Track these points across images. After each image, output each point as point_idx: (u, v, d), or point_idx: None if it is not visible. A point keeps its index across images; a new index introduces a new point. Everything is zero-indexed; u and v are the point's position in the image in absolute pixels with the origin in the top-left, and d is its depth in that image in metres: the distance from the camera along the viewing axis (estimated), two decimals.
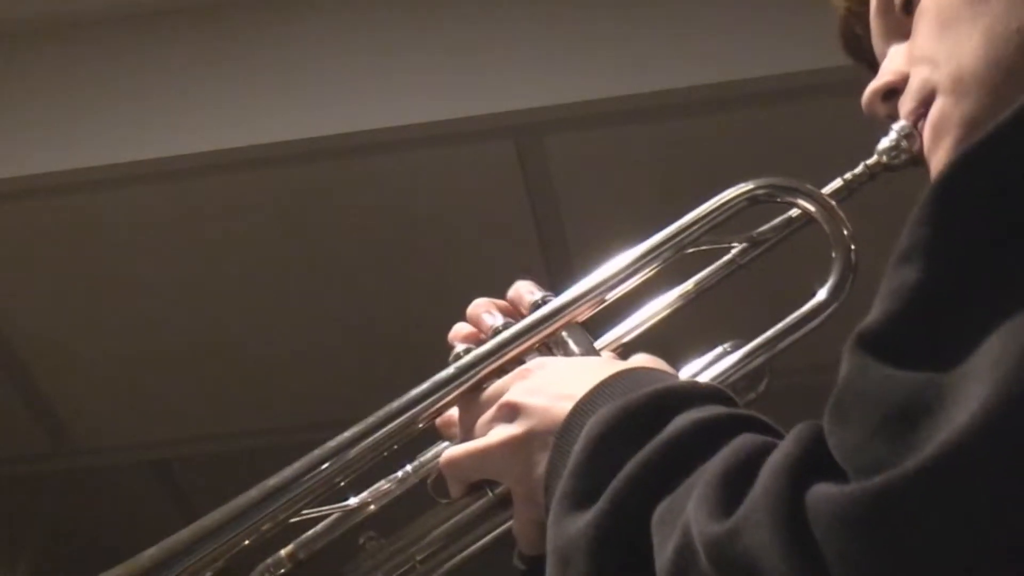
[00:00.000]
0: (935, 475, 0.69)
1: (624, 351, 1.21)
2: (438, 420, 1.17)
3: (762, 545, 0.74)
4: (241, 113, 2.52)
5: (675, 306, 1.25)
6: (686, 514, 0.81)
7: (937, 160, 1.08)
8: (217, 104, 2.53)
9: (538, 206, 2.64)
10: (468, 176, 2.60)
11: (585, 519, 0.89)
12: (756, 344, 1.19)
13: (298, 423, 2.96)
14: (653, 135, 2.52)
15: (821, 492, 0.74)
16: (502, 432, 1.06)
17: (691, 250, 1.21)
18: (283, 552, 1.18)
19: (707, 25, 2.42)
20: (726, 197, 1.20)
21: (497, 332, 1.17)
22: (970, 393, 0.70)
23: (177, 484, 3.25)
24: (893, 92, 1.13)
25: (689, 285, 1.24)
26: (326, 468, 1.14)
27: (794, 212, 1.21)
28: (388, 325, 2.84)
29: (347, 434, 1.15)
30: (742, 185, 1.20)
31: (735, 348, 1.20)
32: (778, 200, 1.21)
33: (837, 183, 1.20)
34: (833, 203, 1.19)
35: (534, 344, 1.17)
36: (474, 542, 1.15)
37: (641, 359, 1.13)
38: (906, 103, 1.11)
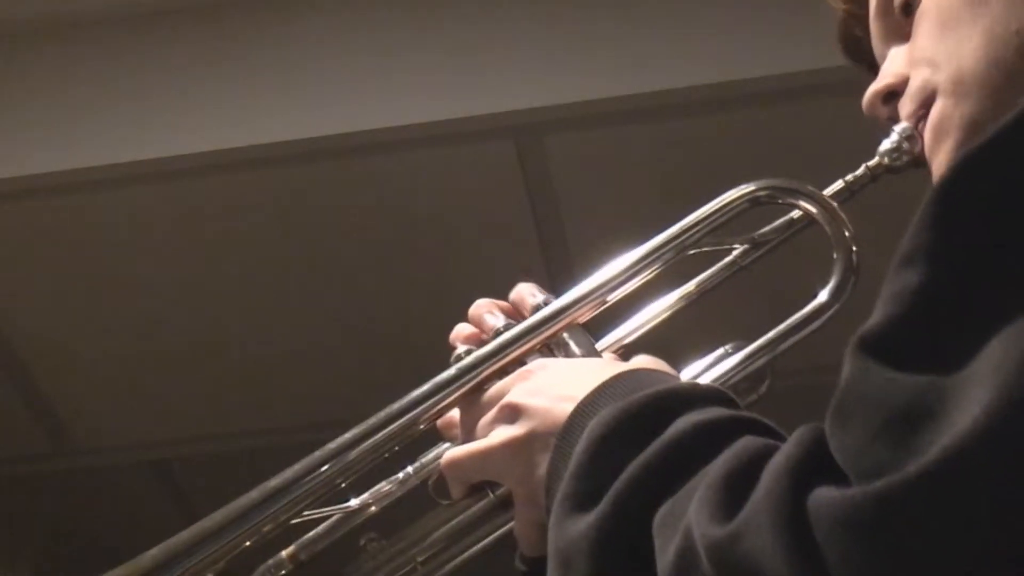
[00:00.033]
0: (937, 479, 0.69)
1: (625, 352, 1.21)
2: (439, 421, 1.17)
3: (764, 548, 0.74)
4: (241, 113, 2.52)
5: (676, 307, 1.25)
6: (688, 517, 0.81)
7: (938, 162, 1.08)
8: (217, 104, 2.53)
9: (538, 206, 2.64)
10: (468, 176, 2.60)
11: (587, 521, 0.89)
12: (758, 345, 1.19)
13: (298, 423, 2.96)
14: (653, 135, 2.52)
15: (823, 495, 0.74)
16: (503, 433, 1.06)
17: (692, 251, 1.21)
18: (284, 553, 1.18)
19: (707, 25, 2.42)
20: (728, 198, 1.20)
21: (498, 333, 1.17)
22: (972, 397, 0.71)
23: (177, 484, 3.25)
24: (894, 94, 1.13)
25: (691, 286, 1.24)
26: (327, 469, 1.13)
27: (796, 213, 1.21)
28: (388, 325, 2.84)
29: (348, 435, 1.15)
30: (744, 187, 1.20)
31: (737, 349, 1.20)
32: (780, 201, 1.21)
33: (839, 184, 1.20)
34: (835, 204, 1.19)
35: (535, 345, 1.17)
36: (475, 543, 1.15)
37: (642, 360, 1.13)
38: (906, 105, 1.11)
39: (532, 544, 1.08)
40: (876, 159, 1.17)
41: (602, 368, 1.07)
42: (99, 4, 2.55)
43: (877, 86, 1.14)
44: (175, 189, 2.61)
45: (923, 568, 0.70)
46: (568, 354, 1.16)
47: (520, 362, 1.15)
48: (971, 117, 1.03)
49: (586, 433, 0.95)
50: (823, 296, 1.19)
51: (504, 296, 1.23)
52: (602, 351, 1.20)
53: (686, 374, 1.19)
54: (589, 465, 0.92)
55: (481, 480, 1.12)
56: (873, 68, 1.17)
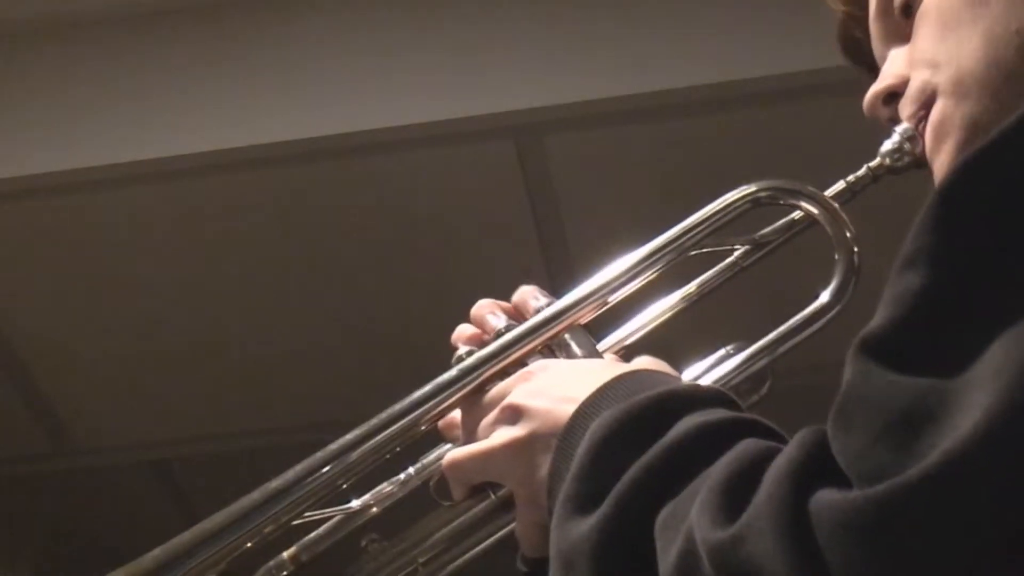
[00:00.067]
0: (938, 483, 0.70)
1: (627, 353, 1.21)
2: (441, 422, 1.17)
3: (765, 552, 0.75)
4: (241, 113, 2.52)
5: (678, 308, 1.25)
6: (689, 519, 0.81)
7: (940, 163, 1.08)
8: (217, 104, 2.53)
9: (538, 206, 2.64)
10: (468, 176, 2.60)
11: (588, 523, 0.89)
12: (759, 346, 1.19)
13: (298, 423, 2.96)
14: (653, 135, 2.52)
15: (824, 499, 0.74)
16: (505, 434, 1.06)
17: (694, 252, 1.21)
18: (285, 554, 1.18)
19: (707, 25, 2.42)
20: (729, 199, 1.20)
21: (500, 334, 1.17)
22: (973, 401, 0.71)
23: (177, 484, 3.25)
24: (894, 95, 1.13)
25: (692, 287, 1.24)
26: (328, 470, 1.13)
27: (797, 214, 1.21)
28: (388, 325, 2.84)
29: (349, 436, 1.15)
30: (745, 187, 1.20)
31: (738, 350, 1.20)
32: (781, 202, 1.21)
33: (840, 185, 1.20)
34: (836, 205, 1.19)
35: (537, 346, 1.16)
36: (476, 544, 1.14)
37: (644, 361, 1.13)
38: (907, 106, 1.11)
39: (533, 545, 1.08)
40: (877, 160, 1.17)
41: (603, 369, 1.07)
42: (99, 4, 2.55)
43: (877, 87, 1.14)
44: (175, 189, 2.60)
45: (924, 571, 0.71)
46: (569, 355, 1.16)
47: (522, 363, 1.15)
48: (972, 117, 1.03)
49: (588, 435, 0.95)
50: (824, 297, 1.19)
51: (504, 296, 1.23)
52: (603, 352, 1.20)
53: (687, 375, 1.19)
54: (591, 467, 0.92)
55: (482, 481, 1.12)
56: (873, 70, 1.17)
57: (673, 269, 1.20)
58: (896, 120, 1.13)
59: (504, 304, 1.21)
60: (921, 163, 1.12)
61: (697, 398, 0.95)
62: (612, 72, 2.43)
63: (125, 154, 2.53)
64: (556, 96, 2.45)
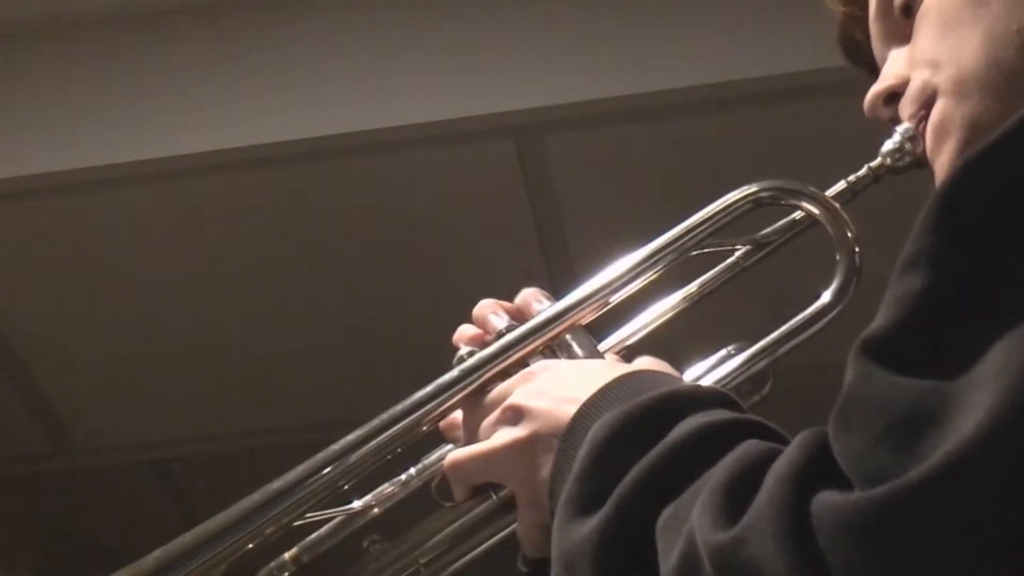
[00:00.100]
0: (940, 485, 0.70)
1: (628, 354, 1.21)
2: (442, 423, 1.17)
3: (767, 554, 0.75)
4: (241, 113, 2.52)
5: (679, 308, 1.25)
6: (691, 521, 0.81)
7: (940, 162, 1.08)
8: (217, 104, 2.53)
9: (538, 206, 2.64)
10: (468, 176, 2.60)
11: (590, 524, 0.89)
12: (760, 347, 1.19)
13: (298, 423, 2.96)
14: (653, 135, 2.52)
15: (826, 500, 0.74)
16: (506, 435, 1.06)
17: (695, 252, 1.21)
18: (287, 555, 1.18)
19: (707, 25, 2.42)
20: (730, 199, 1.20)
21: (501, 335, 1.17)
22: (975, 402, 0.71)
23: (177, 484, 3.25)
24: (895, 95, 1.13)
25: (693, 287, 1.24)
26: (330, 471, 1.13)
27: (798, 214, 1.21)
28: (388, 325, 2.84)
29: (351, 437, 1.14)
30: (746, 187, 1.20)
31: (739, 351, 1.20)
32: (782, 202, 1.21)
33: (841, 185, 1.20)
34: (837, 205, 1.19)
35: (538, 347, 1.16)
36: (478, 545, 1.14)
37: (645, 362, 1.13)
38: (907, 106, 1.11)
39: (535, 546, 1.08)
40: (878, 160, 1.17)
41: (605, 370, 1.07)
42: (99, 4, 2.55)
43: (878, 88, 1.14)
44: (175, 189, 2.61)
45: (925, 572, 0.71)
46: (571, 355, 1.16)
47: (523, 364, 1.15)
48: (972, 117, 1.03)
49: (589, 436, 0.95)
50: (826, 297, 1.18)
51: (504, 296, 1.23)
52: (605, 352, 1.20)
53: (689, 375, 1.19)
54: (592, 468, 0.92)
55: (484, 482, 1.12)
56: (873, 70, 1.17)
57: (674, 269, 1.20)
58: (897, 120, 1.13)
59: (506, 304, 1.21)
60: (922, 163, 1.12)
61: (698, 399, 0.95)
62: (612, 72, 2.43)
63: (125, 154, 2.53)
64: (556, 96, 2.45)
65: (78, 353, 2.91)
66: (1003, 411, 0.69)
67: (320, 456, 1.14)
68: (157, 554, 1.11)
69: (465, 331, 1.20)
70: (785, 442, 0.85)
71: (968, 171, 0.77)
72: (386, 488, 1.20)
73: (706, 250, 1.22)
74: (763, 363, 1.19)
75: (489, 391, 1.13)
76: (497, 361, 1.15)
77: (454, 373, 1.15)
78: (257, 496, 1.13)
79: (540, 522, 1.04)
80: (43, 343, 2.91)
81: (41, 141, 2.55)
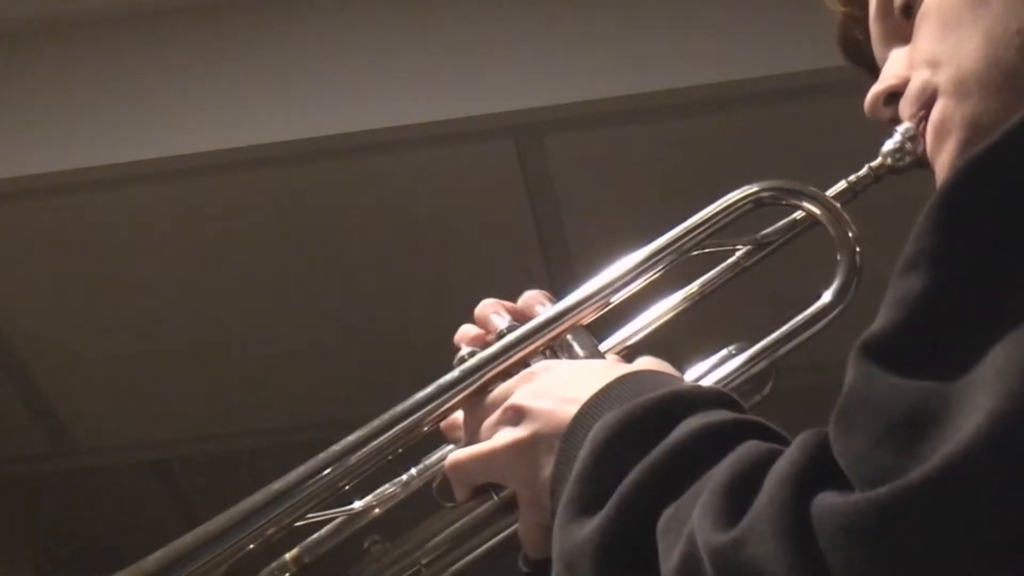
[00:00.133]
0: (940, 487, 0.70)
1: (629, 354, 1.21)
2: (443, 423, 1.17)
3: (767, 555, 0.75)
4: (241, 113, 2.52)
5: (680, 308, 1.24)
6: (691, 522, 0.81)
7: (941, 162, 1.08)
8: (217, 104, 2.53)
9: (538, 206, 2.64)
10: (468, 176, 2.60)
11: (591, 525, 0.89)
12: (761, 347, 1.19)
13: (298, 423, 2.96)
14: (653, 135, 2.52)
15: (826, 502, 0.74)
16: (507, 435, 1.06)
17: (696, 252, 1.21)
18: (288, 556, 1.18)
19: (707, 25, 2.42)
20: (731, 199, 1.20)
21: (502, 335, 1.17)
22: (975, 404, 0.71)
23: (177, 484, 3.25)
24: (895, 95, 1.13)
25: (694, 288, 1.24)
26: (331, 472, 1.13)
27: (799, 215, 1.21)
28: (388, 325, 2.84)
29: (352, 438, 1.14)
30: (747, 187, 1.20)
31: (740, 351, 1.20)
32: (783, 202, 1.21)
33: (842, 185, 1.20)
34: (838, 205, 1.19)
35: (539, 347, 1.16)
36: (479, 546, 1.14)
37: (646, 362, 1.13)
38: (907, 106, 1.11)
39: (536, 546, 1.08)
40: (879, 159, 1.17)
41: (606, 370, 1.07)
42: (99, 4, 2.55)
43: (878, 88, 1.15)
44: (175, 189, 2.61)
45: (926, 573, 0.71)
46: (572, 356, 1.16)
47: (524, 364, 1.15)
48: (972, 117, 1.03)
49: (590, 436, 0.95)
50: (827, 297, 1.18)
51: (504, 296, 1.23)
52: (606, 352, 1.20)
53: (690, 376, 1.19)
54: (593, 468, 0.92)
55: (485, 482, 1.12)
56: (873, 70, 1.17)
57: (675, 269, 1.20)
58: (897, 121, 1.14)
59: (508, 304, 1.21)
60: (923, 163, 1.12)
61: (699, 399, 0.95)
62: (612, 72, 2.43)
63: (125, 154, 2.53)
64: (556, 96, 2.45)
65: (78, 353, 2.91)
66: (1003, 413, 0.69)
67: (321, 456, 1.14)
68: (158, 555, 1.11)
69: (466, 331, 1.20)
70: (786, 443, 0.85)
71: (969, 172, 0.77)
72: (387, 488, 1.20)
73: (707, 250, 1.22)
74: (764, 363, 1.19)
75: (490, 391, 1.13)
76: (498, 361, 1.15)
77: (455, 373, 1.15)
78: (258, 497, 1.13)
79: (541, 522, 1.04)
80: (43, 343, 2.91)
81: (41, 141, 2.55)
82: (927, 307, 0.76)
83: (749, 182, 1.21)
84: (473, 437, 1.12)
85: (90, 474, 3.18)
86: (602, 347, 1.20)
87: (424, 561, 1.15)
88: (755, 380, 1.19)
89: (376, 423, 1.14)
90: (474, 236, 2.69)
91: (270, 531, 1.12)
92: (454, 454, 1.12)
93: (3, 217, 2.65)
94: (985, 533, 0.70)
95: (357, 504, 1.19)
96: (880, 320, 0.77)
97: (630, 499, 0.87)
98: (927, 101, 1.08)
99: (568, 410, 1.01)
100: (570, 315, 1.17)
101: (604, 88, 2.43)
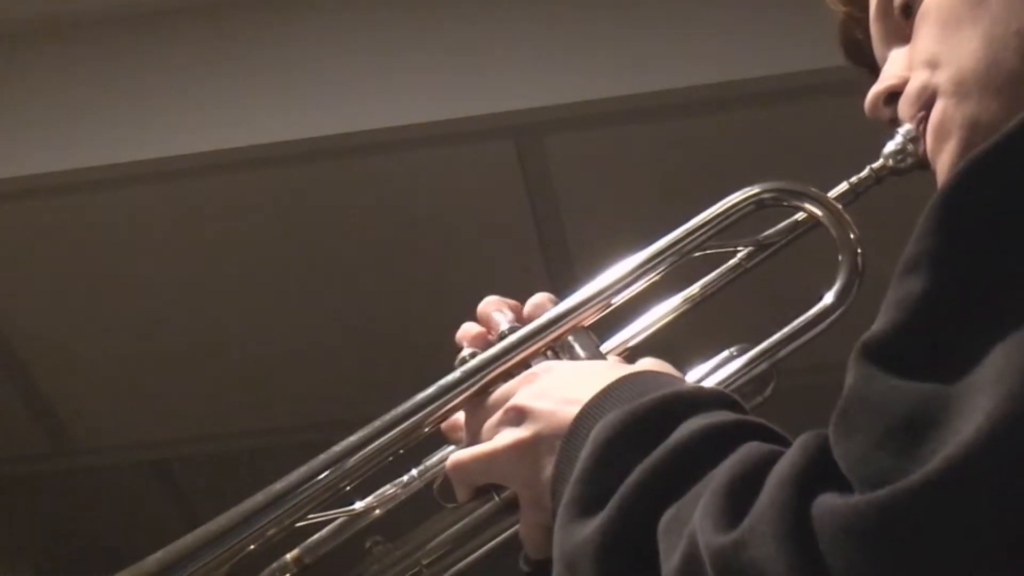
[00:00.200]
0: (940, 488, 0.70)
1: (630, 355, 1.21)
2: (444, 424, 1.17)
3: (768, 556, 0.75)
4: (241, 113, 2.52)
5: (681, 310, 1.24)
6: (692, 523, 0.81)
7: (941, 163, 1.08)
8: (217, 104, 2.53)
9: (538, 206, 2.64)
10: (468, 176, 2.60)
11: (592, 526, 0.89)
12: (762, 348, 1.19)
13: (298, 423, 2.96)
14: (653, 135, 2.52)
15: (827, 503, 0.74)
16: (508, 436, 1.06)
17: (697, 254, 1.21)
18: (289, 557, 1.18)
19: (707, 25, 2.42)
20: (732, 201, 1.20)
21: (503, 336, 1.17)
22: (975, 406, 0.71)
23: (177, 484, 3.25)
24: (895, 96, 1.13)
25: (695, 289, 1.24)
26: (332, 473, 1.13)
27: (800, 216, 1.21)
28: (388, 325, 2.84)
29: (353, 438, 1.14)
30: (748, 189, 1.20)
31: (741, 352, 1.20)
32: (784, 204, 1.21)
33: (843, 187, 1.20)
34: (839, 207, 1.19)
35: (540, 348, 1.16)
36: (480, 546, 1.14)
37: (647, 363, 1.13)
38: (906, 107, 1.11)
39: (537, 547, 1.08)
40: (880, 161, 1.17)
41: (607, 371, 1.07)
42: (99, 4, 2.55)
43: (879, 88, 1.14)
44: (175, 189, 2.61)
45: (926, 575, 0.71)
46: (573, 357, 1.16)
47: (525, 365, 1.15)
48: (972, 117, 1.03)
49: (591, 437, 0.95)
50: (828, 298, 1.18)
51: (504, 296, 1.23)
52: (607, 354, 1.20)
53: (691, 377, 1.19)
54: (594, 469, 0.92)
55: (486, 483, 1.12)
56: (874, 70, 1.17)
57: (676, 271, 1.20)
58: (898, 121, 1.13)
59: (510, 301, 1.21)
60: (924, 164, 1.12)
61: (701, 400, 0.95)
62: (612, 72, 2.43)
63: (125, 154, 2.53)
64: (556, 96, 2.45)
65: (78, 353, 2.91)
66: (1003, 415, 0.69)
67: (322, 457, 1.14)
68: (159, 555, 1.11)
69: (468, 329, 1.20)
70: (787, 444, 0.85)
71: (969, 173, 0.77)
72: (388, 489, 1.20)
73: (708, 251, 1.22)
74: (765, 365, 1.19)
75: (491, 392, 1.13)
76: (500, 362, 1.15)
77: (456, 374, 1.15)
78: (259, 497, 1.13)
79: (542, 523, 1.04)
80: (43, 343, 2.91)
81: (41, 141, 2.55)
82: (927, 309, 0.76)
83: (750, 183, 1.21)
84: (474, 438, 1.12)
85: (90, 474, 3.18)
86: (603, 348, 1.20)
87: (425, 562, 1.15)
88: (756, 381, 1.19)
89: (377, 424, 1.14)
90: (474, 236, 2.69)
91: (271, 531, 1.12)
92: (455, 455, 1.12)
93: (3, 217, 2.65)
94: (985, 535, 0.70)
95: (358, 505, 1.19)
96: (880, 322, 0.77)
97: (631, 500, 0.87)
98: (927, 102, 1.08)
99: (569, 411, 1.01)
100: (572, 316, 1.17)
101: (604, 88, 2.43)
